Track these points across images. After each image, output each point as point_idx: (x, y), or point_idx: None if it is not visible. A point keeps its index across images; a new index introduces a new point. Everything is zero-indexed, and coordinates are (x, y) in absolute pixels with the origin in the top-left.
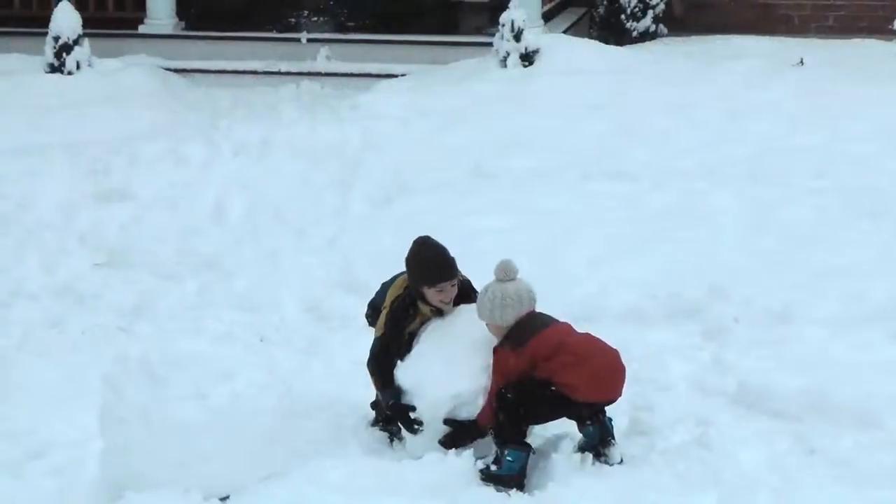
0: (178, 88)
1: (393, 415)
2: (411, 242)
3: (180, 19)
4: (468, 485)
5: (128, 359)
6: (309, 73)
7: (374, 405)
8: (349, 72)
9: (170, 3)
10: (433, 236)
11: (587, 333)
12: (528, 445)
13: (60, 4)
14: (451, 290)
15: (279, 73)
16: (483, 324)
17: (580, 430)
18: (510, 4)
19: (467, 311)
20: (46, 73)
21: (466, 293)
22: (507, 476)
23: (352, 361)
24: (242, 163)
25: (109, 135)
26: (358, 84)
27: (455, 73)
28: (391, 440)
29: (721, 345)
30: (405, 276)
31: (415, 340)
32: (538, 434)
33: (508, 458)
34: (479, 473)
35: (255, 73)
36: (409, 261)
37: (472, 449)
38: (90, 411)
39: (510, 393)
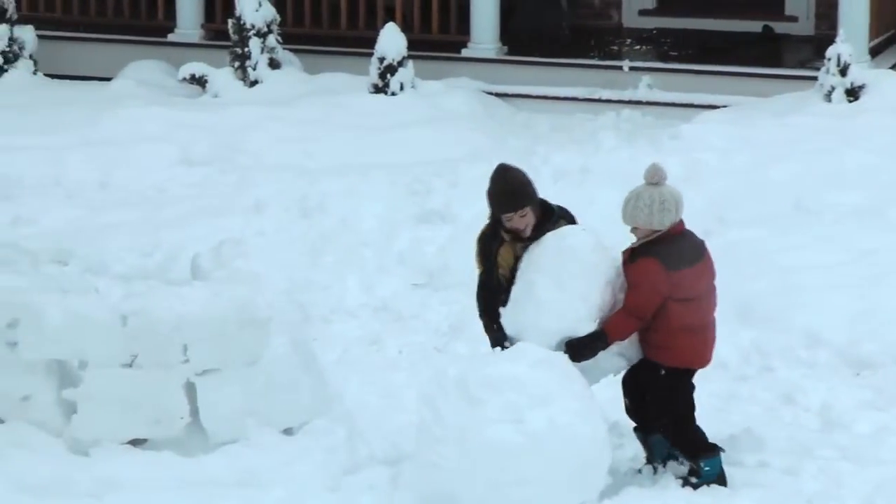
0: (498, 113)
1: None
2: None
3: (503, 44)
4: None
5: (445, 379)
6: (629, 102)
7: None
8: (670, 101)
9: (494, 28)
10: (745, 266)
11: (711, 291)
12: (716, 446)
13: (387, 26)
14: (520, 220)
15: (599, 100)
16: (570, 253)
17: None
18: (837, 38)
19: (553, 244)
20: (370, 93)
21: (567, 218)
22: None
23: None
24: (561, 189)
25: (430, 156)
26: (679, 114)
27: (777, 106)
28: None
29: None
30: None
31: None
32: None
33: (706, 468)
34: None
35: (575, 99)
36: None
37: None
38: (406, 429)
39: (663, 421)
